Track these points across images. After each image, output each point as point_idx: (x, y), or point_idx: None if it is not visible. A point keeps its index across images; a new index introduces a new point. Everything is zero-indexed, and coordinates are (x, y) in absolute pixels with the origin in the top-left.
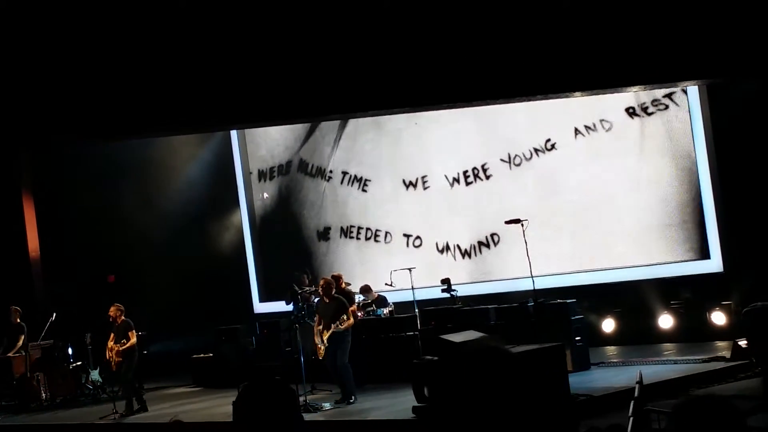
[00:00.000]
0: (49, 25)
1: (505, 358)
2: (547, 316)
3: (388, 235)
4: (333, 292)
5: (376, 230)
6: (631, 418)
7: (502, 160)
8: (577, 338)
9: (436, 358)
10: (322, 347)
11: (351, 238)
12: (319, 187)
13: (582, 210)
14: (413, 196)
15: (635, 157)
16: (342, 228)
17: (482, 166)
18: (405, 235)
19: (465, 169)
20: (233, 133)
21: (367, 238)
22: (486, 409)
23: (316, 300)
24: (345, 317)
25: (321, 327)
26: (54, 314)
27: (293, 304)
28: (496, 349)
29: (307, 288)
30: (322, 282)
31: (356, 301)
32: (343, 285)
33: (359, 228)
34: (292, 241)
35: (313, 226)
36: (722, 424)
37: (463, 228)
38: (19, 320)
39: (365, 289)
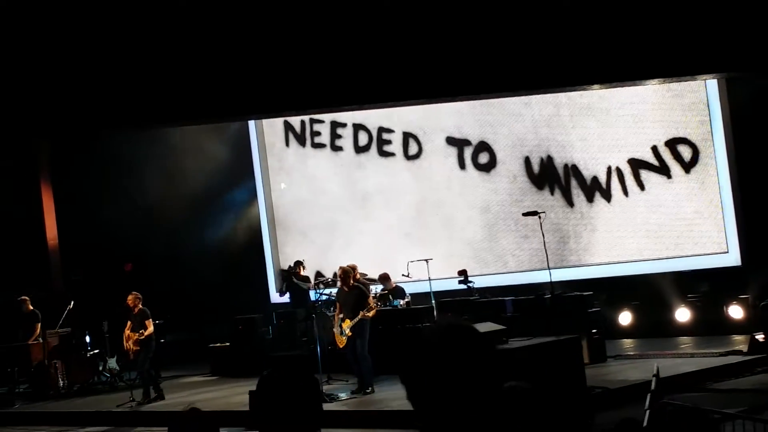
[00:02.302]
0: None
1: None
2: (564, 309)
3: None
4: (351, 282)
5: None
6: (648, 412)
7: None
8: (594, 331)
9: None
10: (343, 337)
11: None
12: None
13: (599, 203)
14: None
15: (654, 152)
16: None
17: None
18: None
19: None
20: (251, 124)
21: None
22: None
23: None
24: (368, 305)
25: (342, 315)
26: (72, 302)
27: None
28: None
29: (326, 278)
30: (339, 272)
31: (372, 292)
32: (358, 276)
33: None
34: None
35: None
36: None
37: (479, 220)
38: (31, 308)
39: (384, 278)
